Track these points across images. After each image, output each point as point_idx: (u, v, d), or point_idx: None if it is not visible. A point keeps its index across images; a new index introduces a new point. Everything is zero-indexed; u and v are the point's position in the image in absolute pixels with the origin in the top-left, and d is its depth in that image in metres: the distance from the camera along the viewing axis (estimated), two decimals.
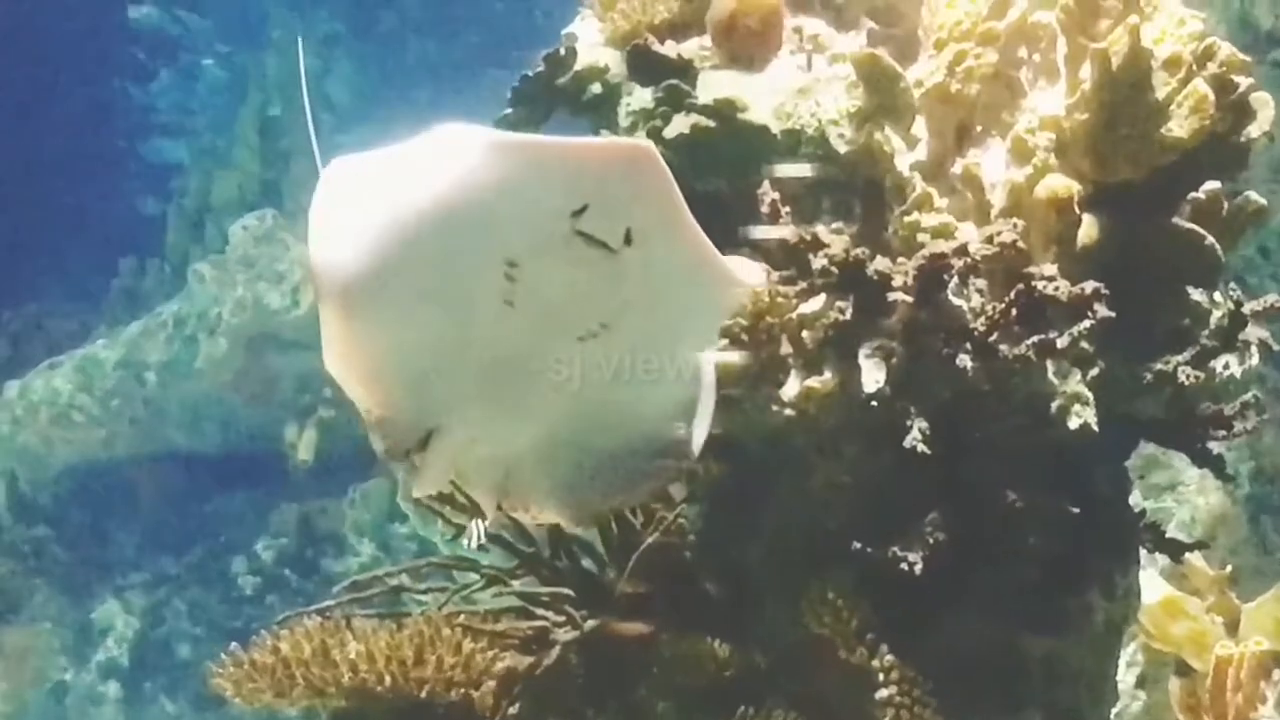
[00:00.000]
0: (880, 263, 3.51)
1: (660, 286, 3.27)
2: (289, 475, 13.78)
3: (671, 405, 3.53)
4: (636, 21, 4.21)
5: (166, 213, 16.45)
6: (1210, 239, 3.65)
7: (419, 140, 3.20)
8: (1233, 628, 5.22)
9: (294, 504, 13.90)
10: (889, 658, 3.65)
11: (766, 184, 3.73)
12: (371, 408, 3.43)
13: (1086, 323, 3.44)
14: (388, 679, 3.62)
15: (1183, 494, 6.92)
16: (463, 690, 3.70)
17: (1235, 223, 3.72)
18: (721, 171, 3.94)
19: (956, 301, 3.52)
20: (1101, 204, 3.65)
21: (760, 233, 3.70)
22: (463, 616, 3.81)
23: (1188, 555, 4.19)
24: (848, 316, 3.53)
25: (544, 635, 3.78)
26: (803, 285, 3.62)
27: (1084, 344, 3.46)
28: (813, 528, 3.76)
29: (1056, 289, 3.46)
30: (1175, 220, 3.67)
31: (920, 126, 3.84)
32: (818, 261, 3.55)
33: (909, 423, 3.49)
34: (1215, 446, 3.81)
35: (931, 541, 3.56)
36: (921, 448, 3.45)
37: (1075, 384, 3.59)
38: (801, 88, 4.00)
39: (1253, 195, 3.74)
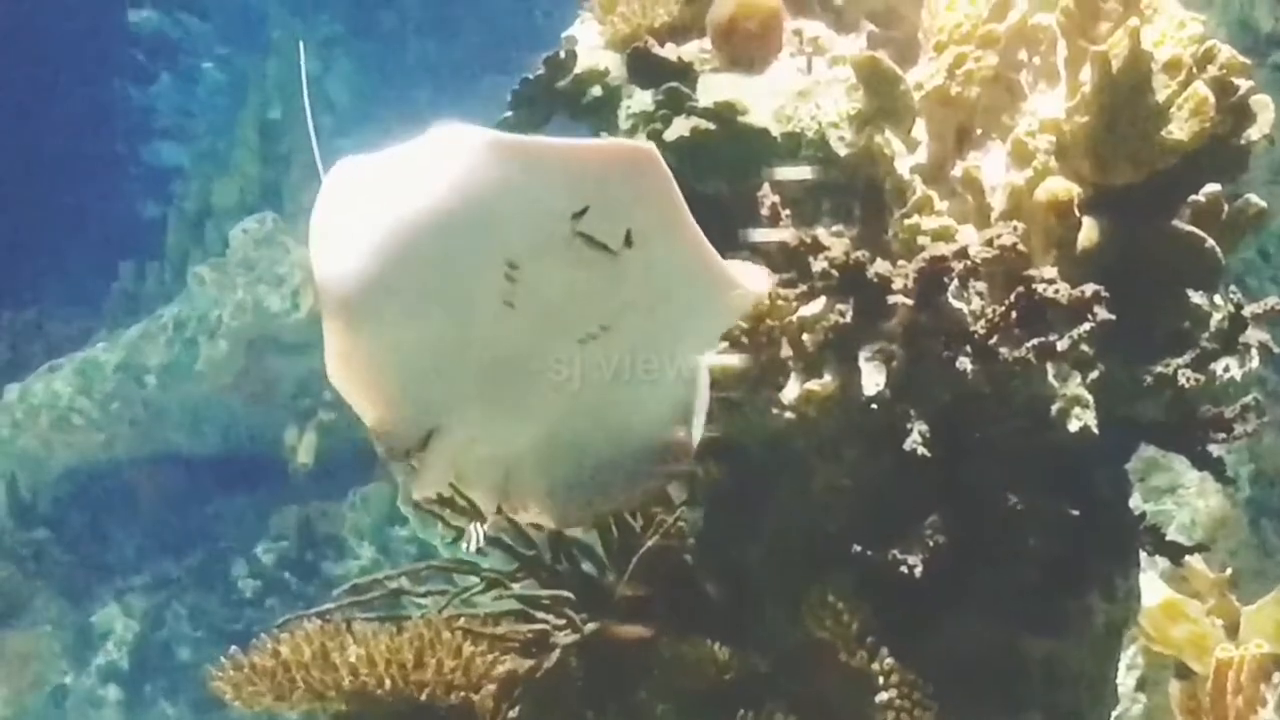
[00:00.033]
0: (880, 265, 3.52)
1: (661, 288, 3.26)
2: (289, 478, 13.77)
3: (671, 407, 3.53)
4: (636, 24, 4.21)
5: (166, 215, 16.46)
6: (1210, 242, 3.66)
7: (419, 141, 3.19)
8: (1233, 630, 5.22)
9: (294, 507, 13.90)
10: (889, 660, 3.65)
11: (767, 187, 3.73)
12: (374, 417, 3.43)
13: (1086, 325, 3.44)
14: (388, 682, 3.62)
15: (1183, 497, 6.91)
16: (463, 693, 3.70)
17: (1235, 225, 3.72)
18: (722, 174, 3.94)
19: (957, 304, 3.52)
20: (1102, 207, 3.65)
21: (760, 235, 3.70)
22: (463, 620, 3.81)
23: (1188, 558, 4.19)
24: (848, 319, 3.54)
25: (544, 638, 3.78)
26: (803, 288, 3.63)
27: (1084, 347, 3.46)
28: (813, 530, 3.76)
29: (1056, 292, 3.46)
30: (1175, 223, 3.67)
31: (920, 129, 3.84)
32: (818, 264, 3.56)
33: (909, 425, 3.49)
34: (1215, 449, 3.81)
35: (932, 544, 3.56)
36: (922, 450, 3.46)
37: (1075, 387, 3.59)
38: (801, 90, 4.00)
39: (1253, 198, 3.75)
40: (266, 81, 16.72)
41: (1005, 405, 3.60)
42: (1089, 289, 3.46)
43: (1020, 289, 3.47)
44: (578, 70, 4.25)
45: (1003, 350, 3.46)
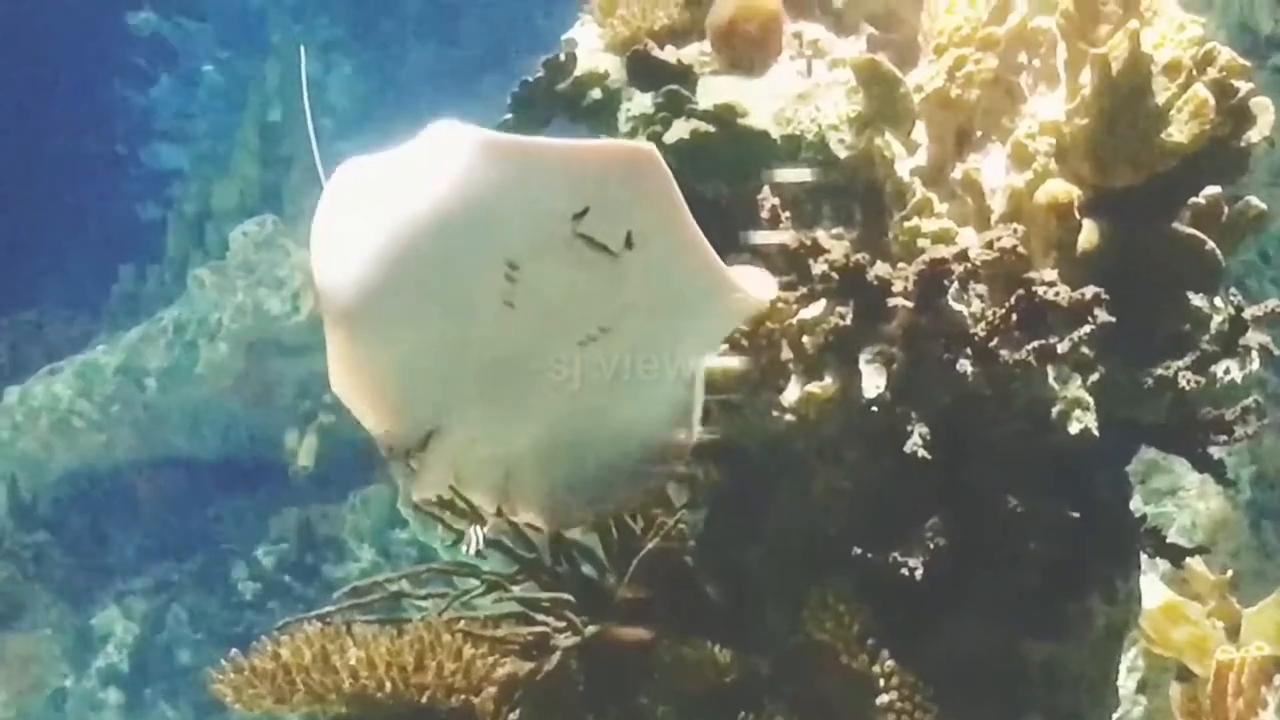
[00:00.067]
0: (880, 268, 3.52)
1: (661, 290, 3.26)
2: (289, 481, 13.78)
3: (670, 408, 3.53)
4: (636, 27, 4.20)
5: (166, 218, 16.47)
6: (1210, 244, 3.65)
7: (417, 142, 3.19)
8: (1234, 633, 5.21)
9: (294, 509, 13.90)
10: (890, 663, 3.65)
11: (766, 189, 3.73)
12: (378, 424, 3.44)
13: (1087, 328, 3.44)
14: (388, 685, 3.62)
15: (1183, 499, 6.91)
16: (463, 696, 3.70)
17: (1235, 227, 3.72)
18: (721, 176, 3.94)
19: (957, 307, 3.52)
20: (1102, 209, 3.65)
21: (760, 238, 3.70)
22: (463, 622, 3.81)
23: (1188, 560, 4.19)
24: (848, 322, 3.54)
25: (544, 641, 3.78)
26: (803, 290, 3.63)
27: (1084, 349, 3.46)
28: (813, 533, 3.76)
29: (1057, 294, 3.46)
30: (1175, 225, 3.67)
31: (920, 132, 3.84)
32: (818, 267, 3.56)
33: (909, 428, 3.49)
34: (1216, 451, 3.81)
35: (932, 546, 3.56)
36: (922, 453, 3.46)
37: (1076, 389, 3.59)
38: (801, 93, 3.99)
39: (1253, 200, 3.74)
40: (266, 84, 16.74)
41: (1006, 408, 3.60)
42: (1089, 291, 3.46)
43: (1020, 291, 3.47)
44: (577, 73, 4.24)
45: (1003, 353, 3.46)
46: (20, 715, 13.43)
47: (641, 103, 4.10)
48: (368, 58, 19.24)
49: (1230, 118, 3.65)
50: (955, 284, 3.51)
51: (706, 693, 3.75)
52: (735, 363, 3.63)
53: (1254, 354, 3.67)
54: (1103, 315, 3.44)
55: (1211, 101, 3.55)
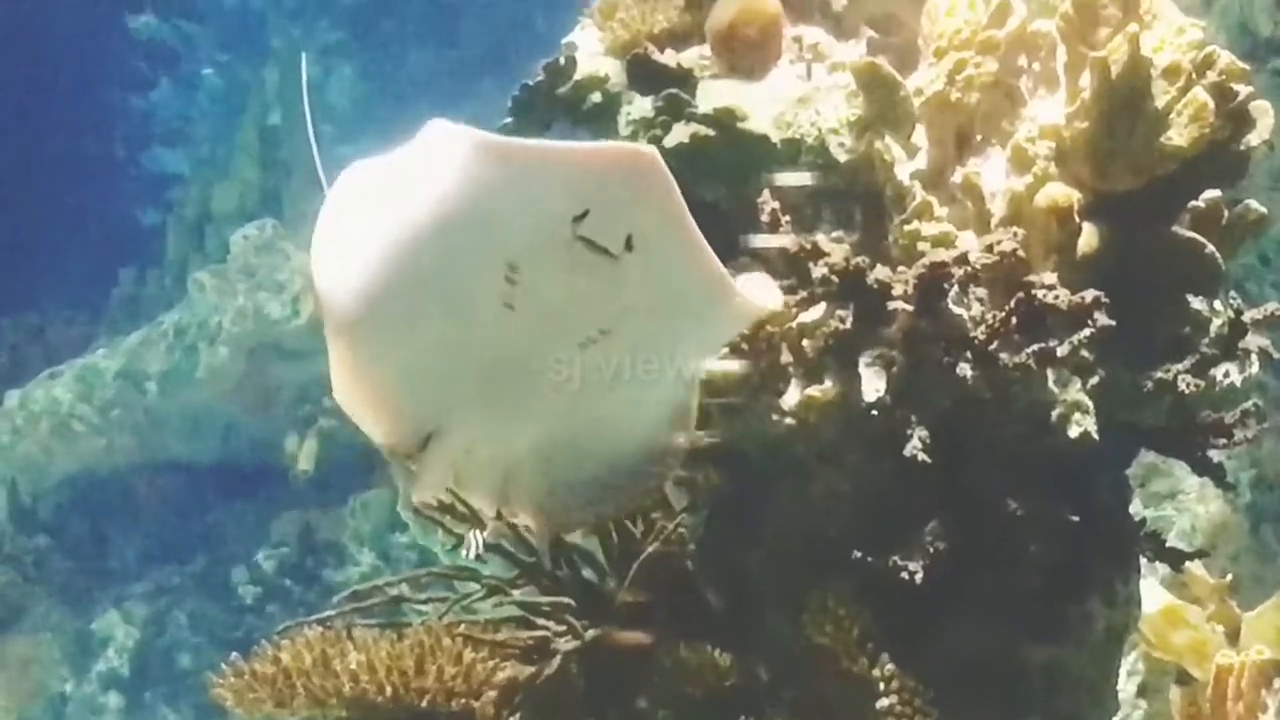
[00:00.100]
0: (880, 271, 3.52)
1: (661, 293, 3.25)
2: (289, 485, 13.77)
3: (670, 410, 3.53)
4: (636, 31, 4.21)
5: (167, 222, 16.48)
6: (1210, 247, 3.66)
7: (414, 145, 3.18)
8: (1233, 636, 5.21)
9: (295, 513, 13.89)
10: (890, 667, 3.65)
11: (767, 193, 3.73)
12: (382, 433, 3.44)
13: (1087, 331, 3.44)
14: (388, 689, 3.62)
15: (1183, 502, 6.91)
16: (463, 700, 3.70)
17: (1235, 231, 3.73)
18: (721, 180, 3.94)
19: (957, 310, 3.53)
20: (1101, 212, 3.65)
21: (760, 241, 3.70)
22: (463, 626, 3.81)
23: (1188, 564, 4.20)
24: (848, 325, 3.54)
25: (545, 645, 3.78)
26: (803, 294, 3.63)
27: (1084, 352, 3.46)
28: (813, 536, 3.76)
29: (1057, 297, 3.46)
30: (1175, 229, 3.67)
31: (920, 135, 3.85)
32: (818, 270, 3.56)
33: (909, 431, 3.49)
34: (1215, 454, 3.82)
35: (932, 550, 3.56)
36: (922, 456, 3.46)
37: (1075, 392, 3.60)
38: (801, 97, 4.00)
39: (1253, 203, 3.75)
40: (266, 88, 16.76)
41: (1005, 411, 3.60)
42: (1089, 295, 3.46)
43: (1020, 295, 3.47)
44: (578, 77, 4.24)
45: (1003, 356, 3.47)
46: (21, 719, 13.43)
47: (641, 106, 4.10)
48: (367, 61, 19.28)
49: (1230, 121, 3.65)
50: (955, 287, 3.51)
51: (706, 696, 3.75)
52: (735, 366, 3.63)
53: (1254, 357, 3.67)
54: (1102, 319, 3.44)
55: (1211, 105, 3.56)
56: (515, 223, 3.13)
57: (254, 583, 13.85)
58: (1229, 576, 5.43)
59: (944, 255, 3.51)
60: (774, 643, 3.79)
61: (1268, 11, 6.62)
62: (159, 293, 15.64)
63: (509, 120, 4.27)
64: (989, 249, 3.52)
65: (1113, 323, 3.45)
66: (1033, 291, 3.47)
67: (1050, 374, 3.57)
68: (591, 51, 4.31)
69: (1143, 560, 3.94)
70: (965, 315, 3.52)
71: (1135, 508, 4.14)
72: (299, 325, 13.45)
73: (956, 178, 3.76)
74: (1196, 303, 3.69)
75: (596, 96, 4.22)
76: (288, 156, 15.80)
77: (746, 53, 4.08)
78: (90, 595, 14.12)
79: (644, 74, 4.12)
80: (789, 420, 3.64)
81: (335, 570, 13.46)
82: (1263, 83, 3.91)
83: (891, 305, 3.50)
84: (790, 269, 3.65)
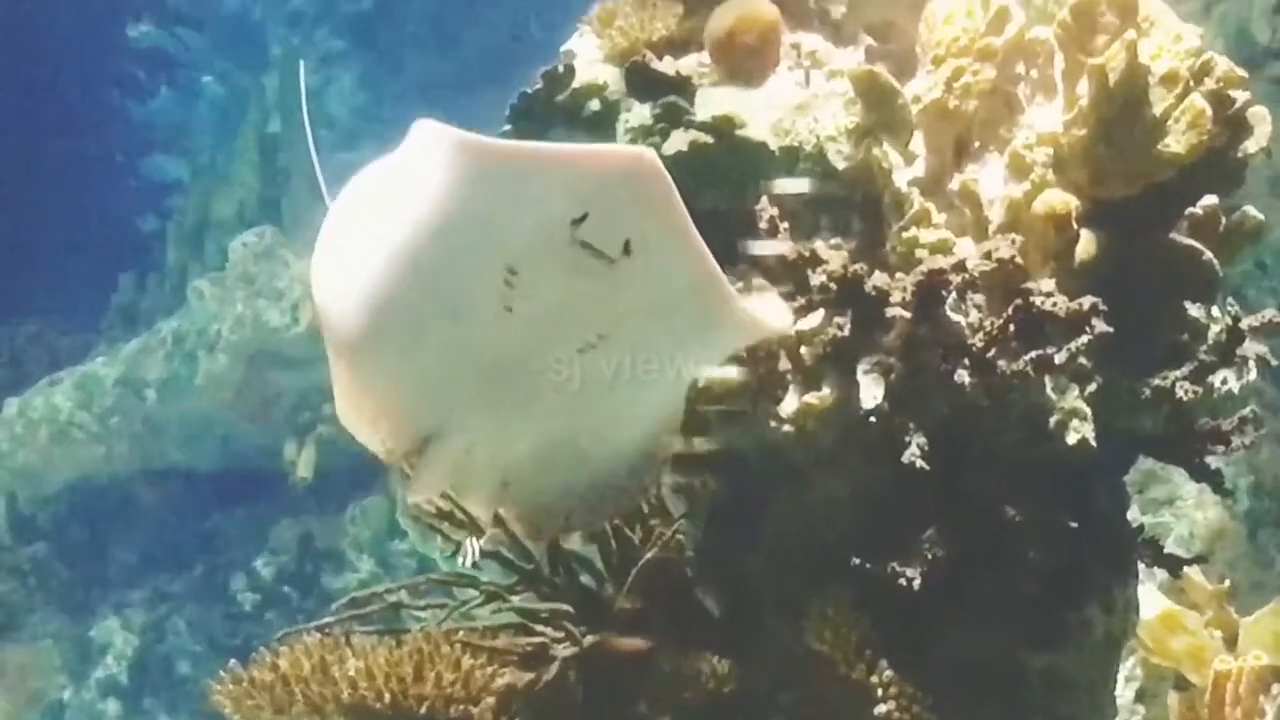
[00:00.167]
0: (878, 278, 3.52)
1: (661, 297, 3.24)
2: (288, 492, 13.75)
3: (669, 415, 3.53)
4: (635, 38, 4.21)
5: (166, 229, 16.47)
6: (1208, 254, 3.66)
7: (408, 147, 3.16)
8: (1231, 642, 5.22)
9: (293, 520, 13.88)
10: (889, 673, 3.66)
11: (765, 200, 3.74)
12: (380, 440, 3.43)
13: (1084, 338, 3.44)
14: (387, 696, 3.62)
15: (1181, 508, 6.92)
16: (462, 707, 3.70)
17: (1233, 238, 3.73)
18: (720, 187, 3.94)
19: (955, 317, 3.53)
20: (1099, 219, 3.66)
21: (759, 249, 3.71)
22: (462, 633, 3.82)
23: (1186, 570, 4.19)
24: (846, 332, 3.54)
25: (543, 651, 3.78)
26: (801, 301, 3.63)
27: (1082, 359, 3.46)
28: (812, 542, 3.76)
29: (1054, 304, 3.47)
30: (1173, 235, 3.68)
31: (918, 142, 3.85)
32: (816, 277, 3.56)
33: (907, 438, 3.50)
34: (1213, 461, 3.82)
35: (930, 556, 3.56)
36: (920, 463, 3.46)
37: (1073, 399, 3.60)
38: (799, 104, 4.00)
39: (1250, 210, 3.75)
40: (266, 95, 16.76)
41: (1003, 418, 3.60)
42: (1087, 301, 3.46)
43: (1018, 301, 3.47)
44: (576, 84, 4.24)
45: (1001, 363, 3.47)
46: None
47: (640, 114, 4.11)
48: (366, 69, 19.28)
49: (1227, 128, 3.66)
50: (953, 294, 3.51)
51: (705, 703, 3.76)
52: (734, 373, 3.63)
53: (1251, 364, 3.67)
54: (1100, 325, 3.45)
55: (1209, 112, 3.56)
56: (513, 225, 3.12)
57: (253, 590, 13.84)
58: (1227, 582, 5.44)
59: (942, 262, 3.52)
60: (773, 649, 3.80)
61: (1266, 18, 6.64)
62: (158, 300, 15.63)
63: (508, 128, 4.27)
64: (987, 256, 3.53)
65: (1110, 329, 3.45)
66: (1031, 298, 3.47)
67: (1048, 381, 3.57)
68: (590, 59, 4.31)
69: (1141, 566, 3.95)
70: (963, 322, 3.53)
71: (1133, 514, 4.14)
72: (298, 333, 13.45)
73: (954, 185, 3.77)
74: (1194, 309, 3.69)
75: (595, 104, 4.22)
76: (287, 164, 15.80)
77: (745, 60, 4.09)
78: (89, 602, 14.11)
79: (642, 81, 4.13)
80: (787, 427, 3.64)
81: (334, 577, 13.45)
82: (1260, 90, 3.90)
83: (890, 312, 3.51)
84: (788, 276, 3.65)
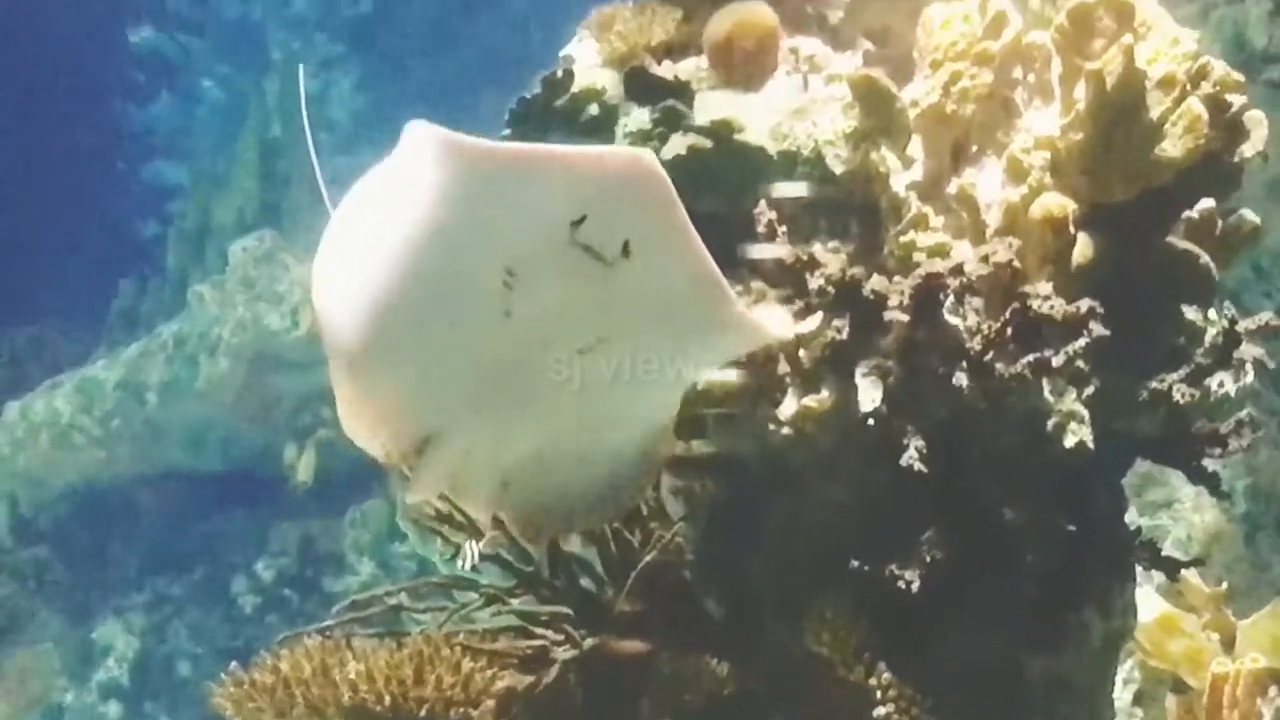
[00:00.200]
0: (876, 282, 3.53)
1: (659, 299, 3.23)
2: (289, 495, 13.76)
3: (667, 418, 3.53)
4: (633, 43, 4.21)
5: (166, 234, 16.49)
6: (1205, 257, 3.67)
7: (400, 150, 3.16)
8: (1229, 645, 5.22)
9: (294, 523, 13.89)
10: (887, 675, 3.66)
11: (763, 204, 3.75)
12: (380, 444, 3.43)
13: (1082, 341, 3.45)
14: (387, 698, 3.63)
15: (1179, 511, 6.92)
16: (462, 709, 3.71)
17: (1230, 241, 3.73)
18: (718, 192, 3.94)
19: (952, 320, 3.53)
20: (1096, 223, 3.66)
21: (757, 252, 3.71)
22: (462, 636, 3.82)
23: (1184, 572, 4.20)
24: (844, 336, 3.55)
25: (543, 654, 3.79)
26: (799, 304, 3.64)
27: (1080, 362, 3.47)
28: (811, 545, 3.77)
29: (1052, 308, 3.47)
30: (1170, 239, 3.68)
31: (916, 146, 3.85)
32: (814, 281, 3.57)
33: (906, 441, 3.50)
34: (1211, 464, 3.82)
35: (929, 559, 3.57)
36: (918, 466, 3.47)
37: (1071, 402, 3.60)
38: (798, 108, 4.01)
39: (1247, 214, 3.76)
40: (266, 100, 16.77)
41: (1001, 421, 3.61)
42: (1084, 305, 3.47)
43: (1016, 305, 3.48)
44: (575, 89, 4.25)
45: (999, 366, 3.48)
46: None
47: (639, 118, 4.11)
48: (366, 73, 19.31)
49: (1224, 132, 3.66)
50: (951, 298, 3.52)
51: (705, 705, 3.76)
52: (733, 376, 3.64)
53: (1248, 367, 3.67)
54: (1098, 329, 3.45)
55: (1205, 116, 3.57)
56: (511, 227, 3.11)
57: (253, 592, 13.85)
58: (1224, 585, 5.44)
59: (940, 266, 3.52)
60: (772, 652, 3.80)
61: (1262, 23, 6.65)
62: (159, 304, 15.66)
63: (507, 132, 4.28)
64: (984, 259, 3.53)
65: (1108, 333, 3.46)
66: (1028, 302, 3.48)
67: (1046, 384, 3.57)
68: (589, 63, 4.32)
69: (1139, 569, 3.95)
70: (961, 325, 3.53)
71: (1131, 517, 4.14)
72: (298, 336, 13.46)
73: (952, 189, 3.77)
74: (1191, 313, 3.69)
75: (594, 108, 4.22)
76: (287, 168, 15.82)
77: (743, 64, 4.10)
78: (90, 605, 14.13)
79: (641, 86, 4.14)
80: (786, 430, 3.65)
81: (334, 580, 13.47)
82: (1257, 94, 3.92)
83: (888, 316, 3.51)
84: (787, 279, 3.66)
